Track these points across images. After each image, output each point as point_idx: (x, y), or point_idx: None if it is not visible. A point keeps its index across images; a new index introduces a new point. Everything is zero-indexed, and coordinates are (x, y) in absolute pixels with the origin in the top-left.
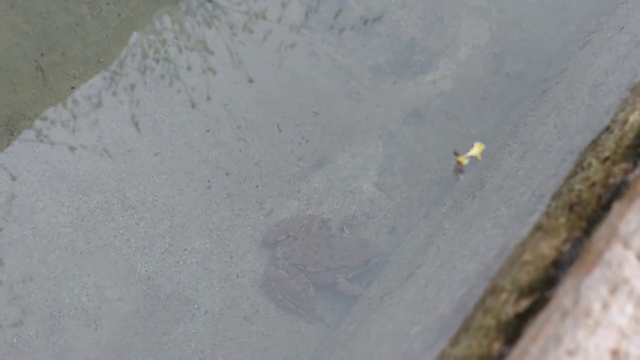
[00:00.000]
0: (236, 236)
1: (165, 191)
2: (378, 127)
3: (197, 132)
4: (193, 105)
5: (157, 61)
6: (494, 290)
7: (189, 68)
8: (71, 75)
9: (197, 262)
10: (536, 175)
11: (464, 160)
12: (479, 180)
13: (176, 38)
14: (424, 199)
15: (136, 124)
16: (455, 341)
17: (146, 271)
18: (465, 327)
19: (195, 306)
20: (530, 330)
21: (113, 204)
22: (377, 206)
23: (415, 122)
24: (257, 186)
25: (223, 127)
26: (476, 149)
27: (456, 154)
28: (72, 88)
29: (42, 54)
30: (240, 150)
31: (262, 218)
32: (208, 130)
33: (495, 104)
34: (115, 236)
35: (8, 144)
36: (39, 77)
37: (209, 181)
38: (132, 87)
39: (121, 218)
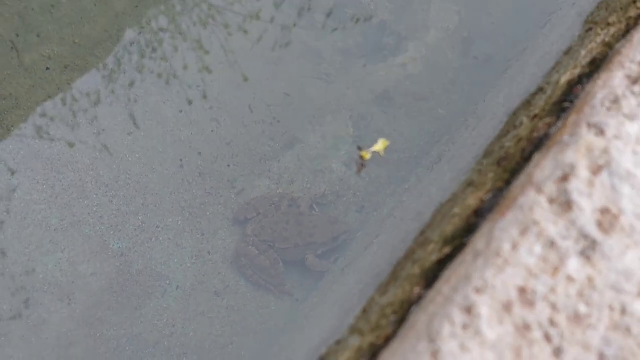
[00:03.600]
0: (208, 214)
1: (139, 169)
2: (348, 108)
3: (170, 112)
4: (167, 87)
5: (132, 44)
6: (423, 243)
7: (161, 52)
8: (46, 57)
9: (169, 239)
10: (479, 140)
11: (367, 155)
12: (438, 155)
13: (148, 23)
14: (392, 178)
15: (110, 104)
16: (384, 291)
17: (119, 247)
18: (395, 278)
19: (167, 282)
20: (446, 273)
21: (87, 182)
22: (347, 185)
23: (385, 104)
24: (228, 165)
25: (195, 108)
26: (380, 145)
27: (360, 148)
28: (47, 69)
29: (17, 35)
30: (212, 131)
31: (233, 197)
32: (181, 111)
33: (463, 86)
34: (89, 213)
35: None
36: (14, 57)
37: (181, 160)
38: (105, 67)
39: (95, 196)
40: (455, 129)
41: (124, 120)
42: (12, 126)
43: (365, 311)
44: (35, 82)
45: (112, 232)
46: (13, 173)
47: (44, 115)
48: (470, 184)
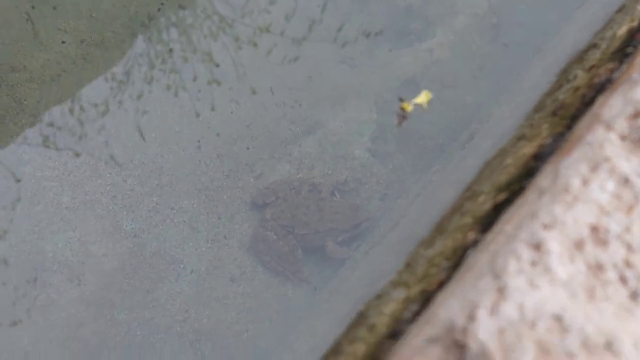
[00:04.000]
0: (225, 197)
1: (154, 149)
2: (372, 93)
3: (188, 91)
4: (184, 66)
5: (150, 19)
6: (471, 196)
7: (182, 28)
8: (62, 30)
9: (184, 221)
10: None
11: (409, 106)
12: (470, 134)
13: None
14: (416, 166)
15: (126, 83)
16: (429, 245)
17: (132, 228)
18: (440, 232)
19: (181, 265)
20: (506, 215)
21: (100, 160)
22: (369, 172)
23: (411, 90)
24: (247, 148)
25: (215, 88)
26: (423, 97)
27: (401, 99)
28: (63, 42)
29: (33, 7)
30: (231, 112)
31: (252, 180)
32: (200, 90)
33: (492, 73)
34: (102, 192)
35: None
36: (29, 29)
37: (199, 141)
38: (123, 42)
39: (108, 174)
40: (483, 115)
41: (141, 99)
42: (25, 100)
43: (409, 265)
44: (50, 55)
45: (125, 213)
46: (24, 147)
47: (58, 89)
48: (521, 137)
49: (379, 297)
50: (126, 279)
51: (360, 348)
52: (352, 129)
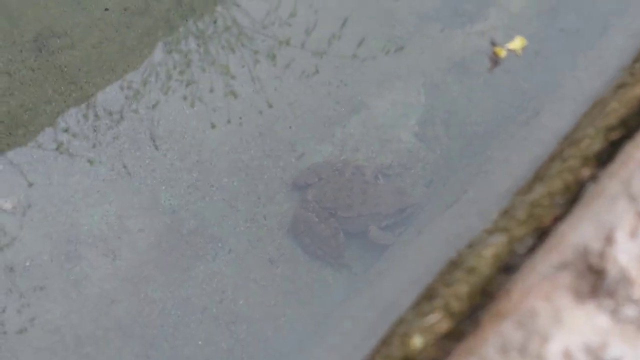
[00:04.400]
0: (265, 177)
1: (195, 123)
2: (421, 75)
3: (231, 67)
4: (228, 37)
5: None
6: (572, 142)
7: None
8: None
9: (223, 199)
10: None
11: (502, 51)
12: (534, 110)
13: None
14: (465, 152)
15: (168, 53)
16: (527, 190)
17: (170, 204)
18: (539, 177)
19: (219, 244)
20: (630, 146)
21: (140, 132)
22: (415, 157)
23: (461, 73)
24: (290, 127)
25: (258, 63)
26: (517, 42)
27: (493, 43)
28: (106, 10)
29: None
30: (275, 89)
31: (293, 160)
32: (243, 66)
33: (547, 59)
34: (140, 165)
35: (35, 60)
36: None
37: (240, 118)
38: (168, 11)
39: (148, 147)
40: (538, 101)
41: (182, 72)
42: (65, 67)
43: (506, 212)
44: (92, 22)
45: (163, 187)
46: (62, 116)
47: (99, 57)
48: (621, 85)
49: (470, 246)
50: (162, 255)
51: (462, 288)
52: (399, 111)
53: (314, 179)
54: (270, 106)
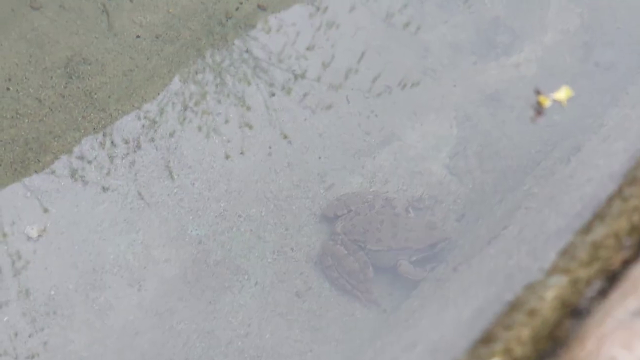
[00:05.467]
0: (294, 208)
1: (223, 152)
2: (453, 107)
3: (261, 96)
4: (260, 68)
5: (228, 18)
6: (632, 181)
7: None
8: (137, 23)
9: (251, 230)
10: None
11: (546, 101)
12: (574, 147)
13: None
14: (498, 187)
15: (199, 81)
16: (586, 230)
17: (197, 234)
18: (599, 217)
19: (246, 276)
20: None
21: (169, 161)
22: (447, 190)
23: (494, 106)
24: (319, 157)
25: (289, 92)
26: (563, 93)
27: (538, 92)
28: (137, 37)
29: None
30: (305, 119)
31: (322, 192)
32: (273, 94)
33: (581, 94)
34: (168, 194)
35: (65, 87)
36: (104, 21)
37: (270, 147)
38: (198, 40)
39: (176, 176)
40: (574, 138)
41: (212, 101)
42: (95, 94)
43: (566, 252)
44: (123, 49)
45: (191, 217)
46: (90, 143)
47: (129, 85)
48: None
49: (528, 287)
50: (188, 287)
51: (524, 332)
52: (430, 144)
53: (343, 210)
54: (299, 136)
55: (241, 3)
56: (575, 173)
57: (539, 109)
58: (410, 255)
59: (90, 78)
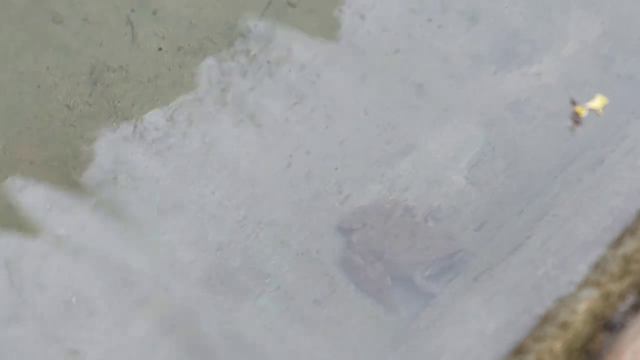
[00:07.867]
0: (314, 216)
1: (247, 160)
2: (473, 116)
3: (282, 105)
4: (280, 77)
5: (249, 30)
6: None
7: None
8: (160, 36)
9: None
10: None
11: (582, 110)
12: (596, 159)
13: None
14: (518, 197)
15: (221, 90)
16: (616, 243)
17: (217, 240)
18: (629, 231)
19: (267, 280)
20: None
21: (190, 169)
22: (466, 200)
23: (514, 115)
24: (336, 168)
25: (309, 102)
26: (598, 102)
27: (574, 102)
28: (160, 49)
29: (133, 10)
30: (326, 127)
31: (338, 204)
32: (296, 103)
33: (605, 105)
34: (190, 201)
35: (90, 95)
36: (128, 33)
37: (290, 156)
38: (219, 51)
39: (197, 183)
40: (593, 149)
41: (234, 110)
42: (118, 102)
43: (597, 265)
44: (146, 61)
45: (212, 223)
46: (115, 149)
47: (152, 95)
48: None
49: (559, 299)
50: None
51: (556, 344)
52: (450, 153)
53: (358, 224)
54: (321, 144)
55: (268, 5)
56: (599, 186)
57: (576, 119)
58: (428, 266)
59: (114, 85)
